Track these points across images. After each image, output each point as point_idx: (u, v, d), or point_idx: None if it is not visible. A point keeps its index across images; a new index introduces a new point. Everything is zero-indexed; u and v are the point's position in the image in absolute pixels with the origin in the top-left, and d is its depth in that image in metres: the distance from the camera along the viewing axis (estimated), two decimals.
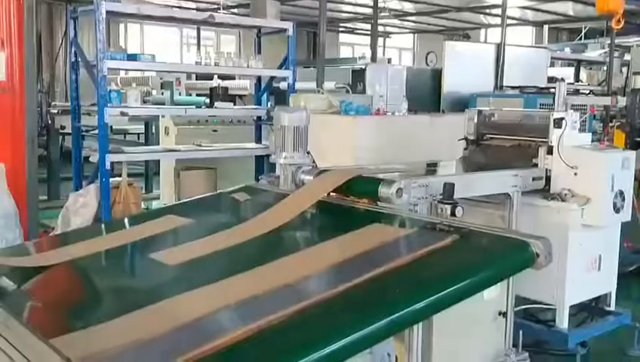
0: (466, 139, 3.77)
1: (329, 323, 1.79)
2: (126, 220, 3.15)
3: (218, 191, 3.26)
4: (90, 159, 5.82)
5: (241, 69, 6.35)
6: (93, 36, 5.30)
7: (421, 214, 2.76)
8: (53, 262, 2.28)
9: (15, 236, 4.98)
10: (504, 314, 3.23)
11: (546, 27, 17.19)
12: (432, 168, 3.69)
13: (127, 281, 2.12)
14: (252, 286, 1.97)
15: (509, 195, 3.25)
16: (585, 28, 18.01)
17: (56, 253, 2.36)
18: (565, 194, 3.30)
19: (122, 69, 7.29)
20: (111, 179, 5.70)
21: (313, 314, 1.80)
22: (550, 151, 3.39)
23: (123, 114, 5.74)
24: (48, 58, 12.89)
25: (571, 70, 12.03)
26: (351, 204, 2.84)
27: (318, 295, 1.89)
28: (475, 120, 3.75)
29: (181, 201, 3.06)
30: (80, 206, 5.74)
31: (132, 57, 5.93)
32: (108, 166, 5.43)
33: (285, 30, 6.57)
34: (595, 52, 13.95)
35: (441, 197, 2.83)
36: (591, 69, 13.32)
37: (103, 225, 3.26)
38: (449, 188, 2.79)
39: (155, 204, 7.64)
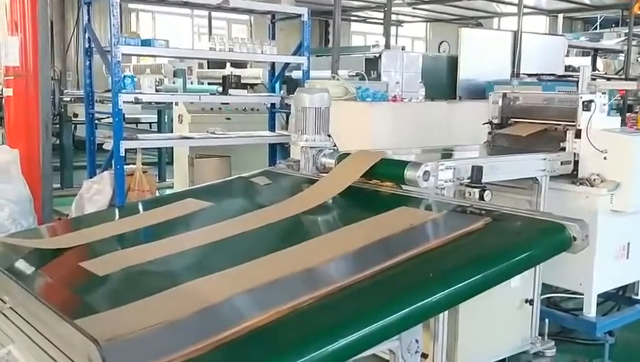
0: (490, 123, 3.68)
1: (359, 308, 1.72)
2: (145, 204, 3.08)
3: (236, 176, 3.18)
4: (104, 146, 5.77)
5: (255, 55, 6.26)
6: (105, 24, 5.23)
7: (448, 198, 2.68)
8: (73, 244, 2.22)
9: (29, 223, 4.94)
10: (530, 302, 3.16)
11: (560, 16, 16.98)
12: (448, 153, 3.62)
13: (150, 264, 2.05)
14: (280, 269, 1.90)
15: (536, 180, 3.16)
16: (600, 17, 17.80)
17: (77, 235, 2.30)
18: (594, 179, 3.20)
19: (136, 55, 7.20)
20: (125, 167, 5.65)
21: (343, 298, 1.73)
22: (578, 135, 3.30)
23: (137, 100, 5.67)
24: (60, 47, 12.85)
25: (588, 59, 11.85)
26: (375, 187, 2.76)
27: (348, 278, 1.81)
28: (500, 103, 3.66)
29: (200, 185, 2.98)
30: (94, 193, 5.69)
31: (146, 43, 5.86)
32: (122, 152, 5.36)
33: (300, 16, 6.47)
34: (610, 41, 13.74)
35: (469, 180, 2.74)
36: (607, 58, 13.13)
37: (122, 209, 3.20)
38: (477, 172, 2.70)
39: (168, 193, 7.59)
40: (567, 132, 3.34)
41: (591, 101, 3.25)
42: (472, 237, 2.07)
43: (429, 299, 1.73)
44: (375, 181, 2.78)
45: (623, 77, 10.30)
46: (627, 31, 10.98)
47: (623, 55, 11.12)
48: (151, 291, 1.79)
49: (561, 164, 3.24)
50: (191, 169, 6.31)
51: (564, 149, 3.34)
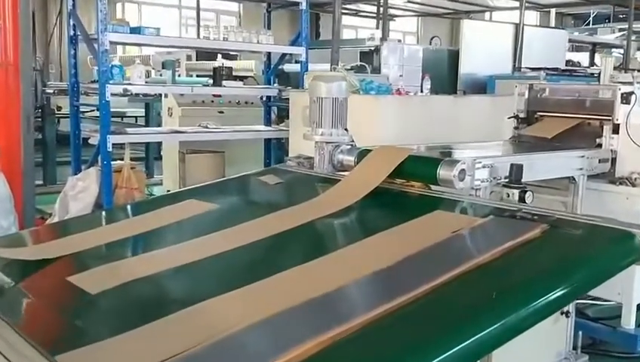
0: (516, 117, 3.38)
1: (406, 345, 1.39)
2: (141, 205, 2.75)
3: (242, 174, 2.85)
4: (90, 141, 5.41)
5: (251, 44, 5.92)
6: (89, 15, 4.88)
7: (487, 200, 2.38)
8: (60, 253, 1.89)
9: (10, 223, 4.57)
10: (567, 314, 2.88)
11: (553, 11, 16.79)
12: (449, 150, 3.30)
13: (150, 279, 1.72)
14: (306, 288, 1.58)
15: (573, 179, 2.87)
16: (593, 13, 17.64)
17: (64, 243, 1.96)
18: (635, 179, 2.92)
19: (124, 44, 6.82)
20: (112, 163, 5.30)
21: (386, 330, 1.41)
22: (616, 130, 3.01)
23: (125, 91, 5.31)
24: (43, 37, 12.39)
25: (585, 54, 11.65)
26: (401, 187, 2.45)
27: (390, 302, 1.49)
28: (527, 95, 3.36)
29: (202, 184, 2.65)
30: (79, 191, 5.34)
31: (136, 31, 5.50)
32: (110, 147, 5.02)
33: (298, 4, 6.14)
34: (608, 36, 13.55)
35: (506, 180, 2.45)
36: (603, 53, 12.93)
37: (116, 211, 2.86)
38: (517, 170, 2.40)
39: (156, 190, 7.24)
40: (604, 127, 3.05)
41: (631, 93, 2.97)
42: (532, 247, 1.77)
43: (496, 326, 1.42)
44: (400, 181, 2.48)
45: (623, 72, 10.08)
46: (621, 26, 10.81)
47: (622, 50, 10.92)
48: (154, 315, 1.47)
49: (599, 161, 2.95)
50: (182, 165, 5.97)
51: (599, 146, 3.06)
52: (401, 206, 2.33)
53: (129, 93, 5.49)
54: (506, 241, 1.79)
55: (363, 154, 2.61)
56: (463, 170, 2.31)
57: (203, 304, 1.52)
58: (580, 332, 3.03)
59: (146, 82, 7.55)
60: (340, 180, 2.54)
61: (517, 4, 11.00)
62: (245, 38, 5.89)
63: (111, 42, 5.06)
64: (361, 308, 1.50)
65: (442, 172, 2.31)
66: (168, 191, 6.42)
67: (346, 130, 2.80)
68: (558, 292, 1.56)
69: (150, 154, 8.20)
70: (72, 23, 5.41)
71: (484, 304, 1.50)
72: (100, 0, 4.86)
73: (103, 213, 3.43)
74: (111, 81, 5.03)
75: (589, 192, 2.92)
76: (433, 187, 2.43)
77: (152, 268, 1.81)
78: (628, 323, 2.99)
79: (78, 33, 5.37)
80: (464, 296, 1.54)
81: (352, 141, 2.81)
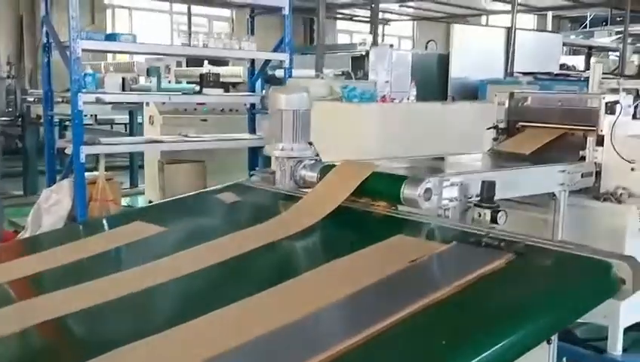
0: (495, 127, 3.19)
1: None
2: (82, 227, 2.56)
3: (200, 191, 2.67)
4: (66, 151, 5.24)
5: (232, 51, 5.76)
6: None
7: (453, 221, 2.19)
8: None
9: None
10: (549, 341, 2.68)
11: (549, 14, 16.62)
12: (438, 163, 3.10)
13: (68, 318, 1.54)
14: (248, 328, 1.41)
15: (554, 195, 2.68)
16: (590, 16, 17.46)
17: None
18: (621, 194, 2.73)
19: (101, 51, 6.64)
20: (87, 174, 5.13)
21: None
22: (600, 142, 2.83)
23: (99, 100, 5.14)
24: (31, 43, 12.20)
25: (581, 58, 11.46)
26: (365, 207, 2.26)
27: (338, 344, 1.31)
28: (507, 104, 3.17)
29: (152, 204, 2.46)
30: (53, 203, 5.16)
31: (111, 38, 5.33)
32: (83, 159, 4.85)
33: (281, 9, 5.97)
34: (604, 39, 13.36)
35: (478, 198, 2.26)
36: (599, 56, 12.75)
37: (48, 236, 2.66)
38: (489, 188, 2.21)
39: (140, 200, 7.08)
40: (588, 138, 2.86)
41: (616, 102, 2.78)
42: (494, 281, 1.59)
43: None
44: (365, 199, 2.29)
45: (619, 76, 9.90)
46: (618, 29, 10.63)
47: (618, 53, 10.74)
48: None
49: (582, 176, 2.76)
50: (161, 175, 5.79)
51: (583, 158, 2.87)
52: (361, 229, 2.15)
53: (103, 101, 5.30)
54: (465, 274, 1.60)
55: (326, 170, 2.43)
56: (428, 189, 2.12)
57: (134, 345, 1.34)
58: (564, 359, 2.85)
59: (133, 89, 7.39)
60: (301, 197, 2.36)
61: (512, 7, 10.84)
62: (226, 45, 5.71)
63: (84, 50, 4.89)
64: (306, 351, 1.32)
65: (406, 191, 2.12)
66: (150, 201, 6.24)
67: (309, 143, 2.61)
68: (515, 338, 1.37)
69: (134, 163, 8.02)
70: (44, 30, 5.24)
71: (430, 352, 1.32)
72: (72, 6, 4.69)
73: (37, 237, 3.22)
74: (83, 90, 4.86)
75: (572, 209, 2.74)
76: (401, 206, 2.25)
77: (78, 304, 1.62)
78: (614, 348, 2.81)
79: (52, 40, 5.20)
80: (409, 343, 1.35)
81: (317, 155, 2.63)
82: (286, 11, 5.91)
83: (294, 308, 1.52)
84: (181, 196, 2.66)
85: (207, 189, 2.70)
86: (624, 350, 2.97)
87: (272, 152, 2.53)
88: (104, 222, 2.60)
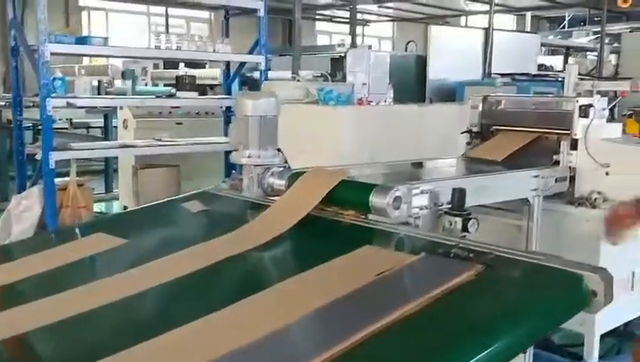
0: (469, 131, 3.14)
1: None
2: (38, 240, 2.47)
3: (165, 200, 2.59)
4: (36, 157, 5.12)
5: (206, 53, 5.67)
6: (51, 22, 4.58)
7: (424, 229, 2.13)
8: None
9: None
10: (524, 351, 2.64)
11: (528, 14, 16.70)
12: (420, 168, 3.05)
13: (25, 339, 1.46)
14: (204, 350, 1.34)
15: (527, 201, 2.64)
16: (568, 16, 17.57)
17: None
18: (595, 199, 2.69)
19: (67, 54, 6.49)
20: (58, 180, 5.02)
21: None
22: (575, 146, 2.79)
23: (70, 105, 5.02)
24: (4, 48, 12.00)
25: (559, 58, 11.50)
26: (334, 215, 2.19)
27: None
28: (480, 108, 3.13)
29: (116, 213, 2.38)
30: (22, 210, 5.05)
31: (82, 41, 5.23)
32: (52, 165, 4.74)
33: (256, 11, 5.89)
34: (582, 39, 13.44)
35: (449, 206, 2.20)
36: (577, 56, 12.82)
37: (9, 247, 2.56)
38: (459, 195, 2.16)
39: (115, 206, 6.97)
40: (562, 142, 2.82)
41: (590, 105, 2.74)
42: (462, 294, 1.53)
43: None
44: (334, 208, 2.22)
45: (597, 76, 9.94)
46: (596, 29, 10.68)
47: (595, 54, 10.79)
48: None
49: (556, 181, 2.72)
50: (134, 180, 5.68)
51: (557, 163, 2.83)
52: (329, 239, 2.08)
53: (74, 106, 5.19)
54: (433, 288, 1.54)
55: (295, 177, 2.35)
56: (397, 197, 2.06)
57: None
58: None
59: (108, 92, 7.25)
60: (269, 206, 2.29)
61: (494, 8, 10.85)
62: (200, 47, 5.62)
63: (53, 53, 4.78)
64: None
65: (375, 200, 2.06)
66: (125, 207, 6.13)
67: (278, 150, 2.54)
68: (485, 355, 1.31)
69: (110, 168, 7.88)
70: (12, 33, 5.12)
71: None
72: (40, 9, 4.58)
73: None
74: (53, 95, 4.75)
75: (546, 214, 2.69)
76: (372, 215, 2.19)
77: (19, 326, 1.54)
78: (590, 356, 2.76)
79: (19, 44, 5.08)
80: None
81: (285, 162, 2.56)
82: (261, 13, 5.83)
83: (259, 326, 1.46)
84: (145, 205, 2.58)
85: (173, 198, 2.61)
86: (600, 357, 2.94)
87: (239, 160, 2.46)
88: (63, 234, 2.51)
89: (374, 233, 2.03)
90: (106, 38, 5.30)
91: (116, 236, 2.14)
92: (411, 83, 7.84)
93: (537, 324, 1.48)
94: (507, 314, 1.48)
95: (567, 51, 11.46)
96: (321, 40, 16.96)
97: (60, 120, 9.22)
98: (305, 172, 2.35)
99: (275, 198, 2.40)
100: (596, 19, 14.69)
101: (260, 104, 2.43)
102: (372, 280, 1.64)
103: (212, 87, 9.56)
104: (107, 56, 7.36)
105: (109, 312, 1.63)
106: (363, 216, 2.18)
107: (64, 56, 6.59)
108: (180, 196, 2.63)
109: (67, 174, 5.32)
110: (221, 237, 2.10)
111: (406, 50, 16.74)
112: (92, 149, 5.32)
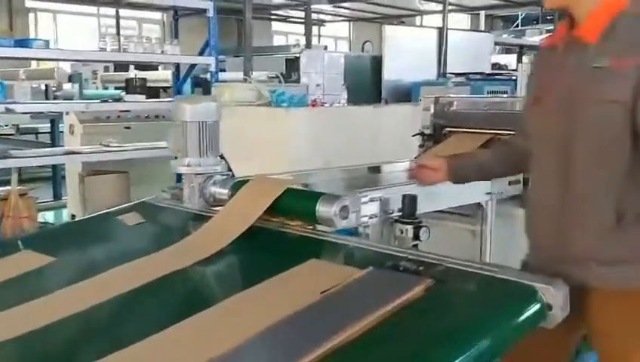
0: (421, 133, 3.06)
1: None
2: None
3: (99, 212, 2.43)
4: None
5: (154, 55, 5.48)
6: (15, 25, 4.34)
7: (373, 240, 2.03)
8: None
9: None
10: None
11: (482, 13, 16.86)
12: (374, 173, 2.96)
13: None
14: None
15: (480, 205, 2.56)
16: (521, 15, 17.81)
17: None
18: None
19: (5, 58, 6.20)
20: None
21: None
22: None
23: (9, 111, 4.79)
24: None
25: (513, 57, 11.62)
26: (280, 226, 2.07)
27: None
28: (432, 110, 3.05)
29: (46, 229, 2.21)
30: None
31: (22, 44, 4.99)
32: None
33: (205, 11, 5.73)
34: (535, 38, 13.61)
35: (400, 213, 2.11)
36: (530, 55, 12.97)
37: None
38: (410, 202, 2.07)
39: (64, 214, 6.71)
40: None
41: None
42: (411, 312, 1.42)
43: None
44: (280, 218, 2.10)
45: None
46: (548, 27, 10.81)
47: None
48: None
49: (509, 184, 2.65)
50: (82, 187, 5.46)
51: None
52: (274, 252, 1.96)
53: (14, 111, 4.95)
54: (380, 306, 1.43)
55: (238, 186, 2.23)
56: (344, 206, 1.95)
57: None
58: None
59: (56, 96, 6.99)
60: (212, 217, 2.16)
61: (447, 8, 10.89)
62: (147, 49, 5.44)
63: None
64: None
65: (321, 209, 1.95)
66: (73, 216, 5.90)
67: (221, 157, 2.41)
68: None
69: (58, 174, 7.59)
70: None
71: None
72: None
73: None
74: None
75: (500, 218, 2.62)
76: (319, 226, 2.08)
77: None
78: None
79: None
80: None
81: (229, 170, 2.43)
82: (210, 13, 5.67)
83: (200, 350, 1.34)
84: (79, 219, 2.42)
85: (109, 210, 2.45)
86: None
87: (178, 168, 2.32)
88: None
89: (321, 245, 1.92)
90: (47, 41, 5.06)
91: (43, 254, 1.99)
92: (367, 84, 7.77)
93: (491, 343, 1.38)
94: (456, 333, 1.38)
95: (521, 50, 11.57)
96: (278, 40, 16.83)
97: (6, 126, 8.91)
98: (249, 180, 2.23)
99: (218, 208, 2.27)
100: (548, 17, 14.92)
101: (199, 109, 2.29)
102: (318, 299, 1.53)
103: (165, 89, 9.34)
104: (51, 60, 7.07)
105: (31, 340, 1.49)
106: (310, 227, 2.07)
107: (5, 60, 6.30)
108: (116, 208, 2.47)
109: (9, 183, 5.08)
110: (159, 251, 1.97)
111: (362, 51, 16.73)
112: (34, 157, 5.08)
